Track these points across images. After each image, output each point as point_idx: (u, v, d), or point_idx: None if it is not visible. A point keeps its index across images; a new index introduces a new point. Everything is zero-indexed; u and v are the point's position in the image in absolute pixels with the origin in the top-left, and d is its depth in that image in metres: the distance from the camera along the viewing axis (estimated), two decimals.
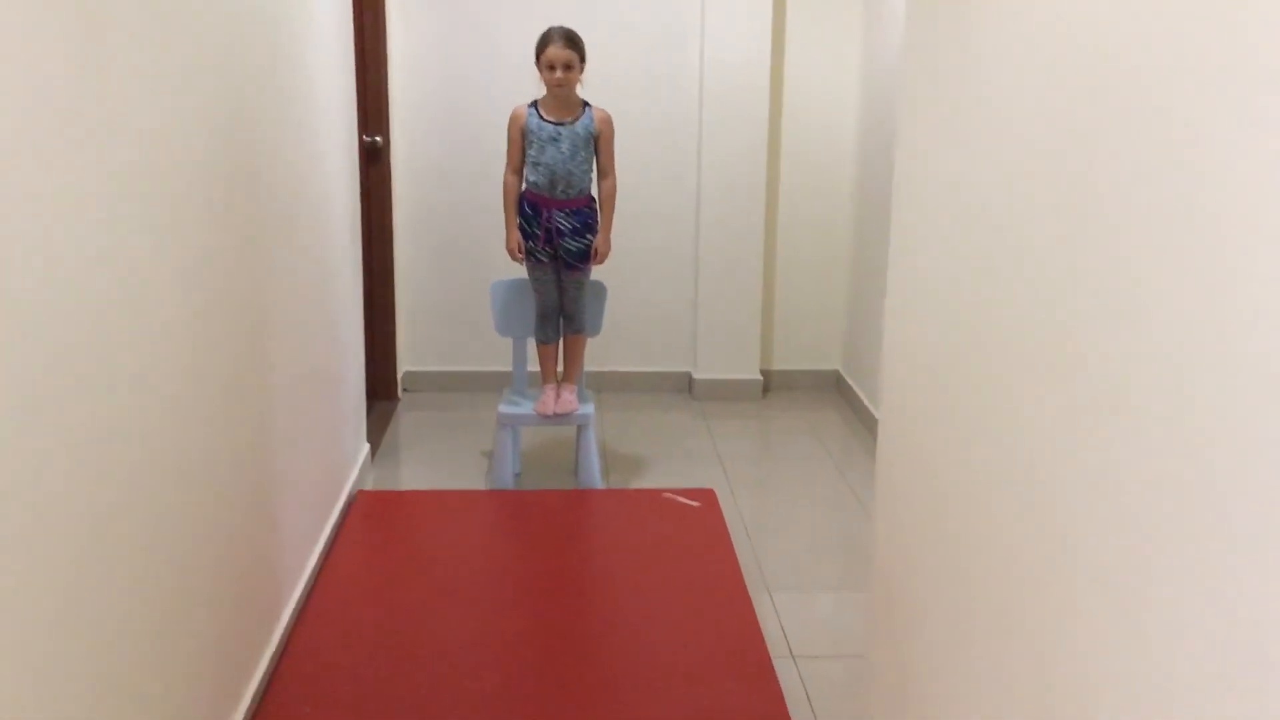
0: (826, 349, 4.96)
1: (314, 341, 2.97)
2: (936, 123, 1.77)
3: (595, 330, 3.83)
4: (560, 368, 3.84)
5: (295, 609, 2.74)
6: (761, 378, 4.86)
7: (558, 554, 3.27)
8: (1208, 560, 0.99)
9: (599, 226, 3.65)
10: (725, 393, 4.81)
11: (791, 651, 2.70)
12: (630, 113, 4.41)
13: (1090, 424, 1.22)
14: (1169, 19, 1.07)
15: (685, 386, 4.89)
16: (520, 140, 3.58)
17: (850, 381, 4.75)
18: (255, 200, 2.37)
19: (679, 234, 4.77)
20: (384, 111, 4.37)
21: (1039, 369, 1.36)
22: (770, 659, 2.63)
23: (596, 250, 3.64)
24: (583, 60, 3.49)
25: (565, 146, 3.53)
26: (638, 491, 3.72)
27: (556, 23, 3.55)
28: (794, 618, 2.87)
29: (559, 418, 3.70)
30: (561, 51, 3.44)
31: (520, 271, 3.80)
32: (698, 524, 3.44)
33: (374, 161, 4.35)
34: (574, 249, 3.61)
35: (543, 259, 3.64)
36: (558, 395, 3.73)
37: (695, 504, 3.58)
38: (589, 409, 3.73)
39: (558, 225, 3.58)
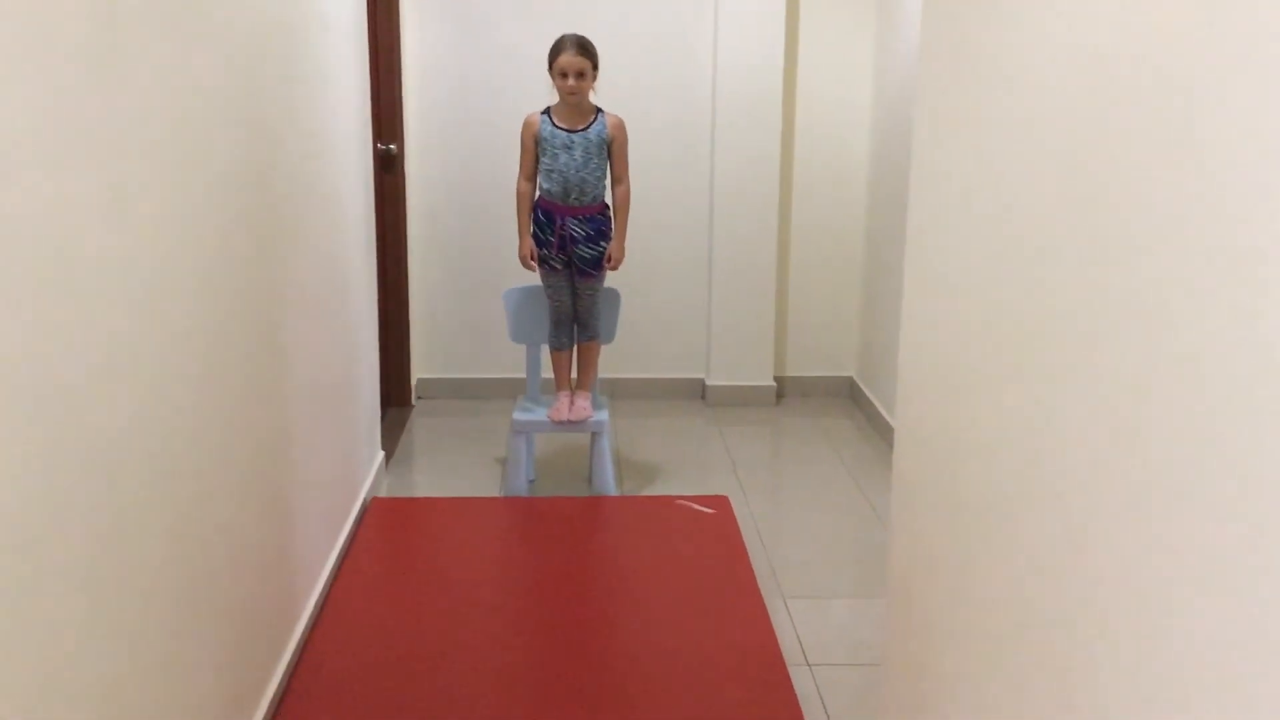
0: (840, 355, 4.95)
1: (329, 348, 2.98)
2: (953, 127, 1.77)
3: (609, 337, 3.83)
4: (574, 375, 3.84)
5: (311, 615, 2.74)
6: (775, 384, 4.85)
7: (572, 561, 3.27)
8: (1232, 567, 0.98)
9: (613, 233, 3.65)
10: (739, 399, 4.80)
11: (807, 659, 2.69)
12: (643, 119, 4.42)
13: (1111, 429, 1.21)
14: (1189, 20, 1.06)
15: (699, 393, 4.89)
16: (533, 147, 3.58)
17: (864, 388, 4.74)
18: (271, 207, 2.37)
19: (692, 241, 4.77)
20: (398, 119, 4.39)
21: (1058, 375, 1.35)
22: (786, 667, 2.63)
23: (610, 256, 3.64)
24: (595, 67, 3.50)
25: (578, 153, 3.53)
26: (652, 498, 3.72)
27: (570, 30, 3.56)
28: (809, 625, 2.86)
29: (573, 424, 3.70)
30: (574, 59, 3.45)
31: (534, 278, 3.81)
32: (712, 531, 3.43)
33: (388, 169, 4.36)
34: (588, 256, 3.61)
35: (557, 266, 3.65)
36: (572, 402, 3.73)
37: (709, 511, 3.57)
38: (603, 416, 3.73)
39: (571, 232, 3.59)
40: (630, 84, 4.50)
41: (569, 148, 3.53)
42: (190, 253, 1.86)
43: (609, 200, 3.67)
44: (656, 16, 4.60)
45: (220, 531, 2.03)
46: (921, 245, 1.94)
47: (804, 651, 2.73)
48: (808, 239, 4.84)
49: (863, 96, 4.71)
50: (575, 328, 3.79)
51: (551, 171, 3.55)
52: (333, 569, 3.01)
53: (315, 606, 2.79)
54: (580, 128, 3.54)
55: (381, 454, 3.83)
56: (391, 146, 4.34)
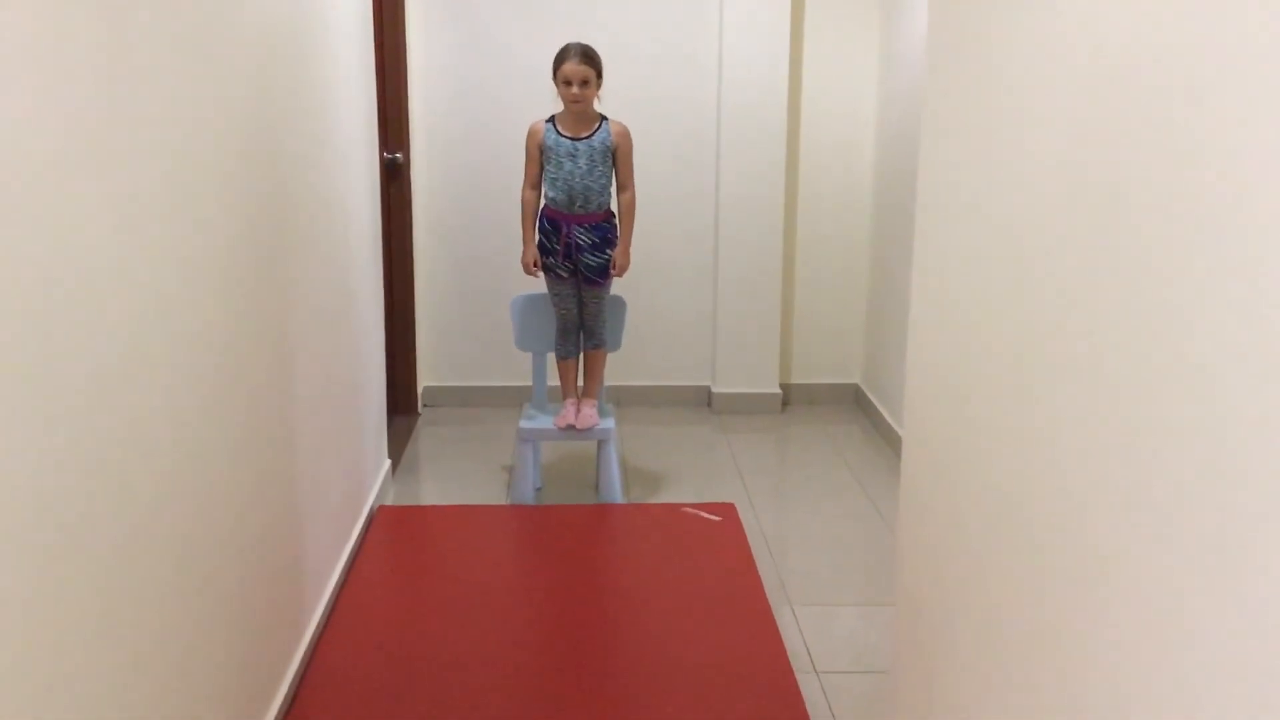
0: (846, 363, 4.95)
1: (336, 357, 2.99)
2: (959, 134, 1.77)
3: (615, 345, 3.83)
4: (580, 383, 3.84)
5: (319, 624, 2.74)
6: (781, 392, 4.85)
7: (579, 569, 3.27)
8: (1242, 573, 0.98)
9: (618, 241, 3.66)
10: (745, 407, 4.80)
11: (815, 666, 2.69)
12: (649, 128, 4.43)
13: (1119, 436, 1.21)
14: (1196, 26, 1.07)
15: (705, 400, 4.89)
16: (538, 156, 3.59)
17: (870, 395, 4.74)
18: (279, 218, 2.38)
19: (698, 248, 4.77)
20: (404, 128, 4.40)
21: (1066, 382, 1.35)
22: (793, 674, 2.62)
23: (615, 263, 3.65)
24: (599, 75, 3.51)
25: (583, 161, 3.54)
26: (658, 506, 3.72)
27: (575, 39, 3.58)
28: (816, 632, 2.86)
29: (579, 432, 3.70)
30: (578, 67, 3.46)
31: (540, 286, 3.81)
32: (719, 538, 3.43)
33: (394, 178, 4.37)
34: (593, 264, 3.62)
35: (562, 274, 3.65)
36: (578, 410, 3.73)
37: (716, 518, 3.57)
38: (609, 424, 3.73)
39: (577, 240, 3.59)
40: (636, 93, 4.51)
41: (573, 155, 3.54)
42: (200, 263, 1.87)
43: (614, 208, 3.68)
44: (662, 25, 4.61)
45: (229, 539, 2.03)
46: (929, 253, 1.94)
47: (811, 659, 2.73)
48: (813, 246, 4.85)
49: (867, 104, 4.72)
50: (581, 336, 3.79)
51: (556, 180, 3.56)
52: (340, 577, 3.01)
53: (323, 614, 2.80)
54: (584, 135, 3.55)
55: (388, 462, 3.83)
56: (397, 155, 4.36)
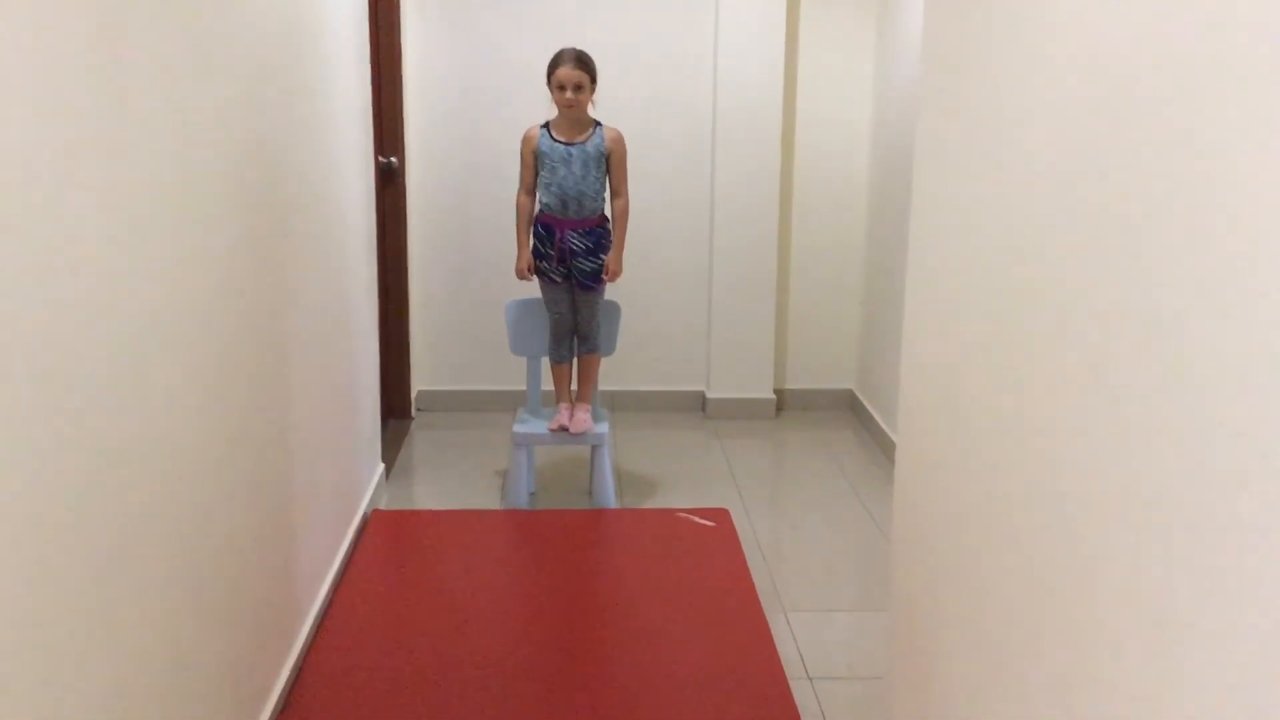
0: (840, 368, 4.95)
1: (330, 361, 2.98)
2: (954, 140, 1.78)
3: (609, 349, 3.83)
4: (574, 387, 3.84)
5: (312, 628, 2.74)
6: (775, 397, 4.85)
7: (572, 574, 3.26)
8: (1237, 579, 0.98)
9: (612, 246, 3.66)
10: (739, 412, 4.80)
11: (808, 673, 2.69)
12: (644, 133, 4.43)
13: (1114, 444, 1.21)
14: (1191, 40, 1.07)
15: (699, 406, 4.89)
16: (533, 161, 3.60)
17: (864, 401, 4.74)
18: (274, 221, 2.38)
19: (693, 253, 4.78)
20: (399, 133, 4.40)
21: (1061, 389, 1.36)
22: (786, 680, 2.62)
23: (608, 268, 3.65)
24: (594, 81, 3.51)
25: (577, 166, 3.54)
26: (652, 511, 3.71)
27: (571, 45, 3.58)
28: (810, 639, 2.85)
29: (573, 437, 3.70)
30: (572, 72, 3.46)
31: (535, 291, 3.81)
32: (712, 544, 3.43)
33: (389, 183, 4.37)
34: (587, 269, 3.62)
35: (556, 279, 3.65)
36: (572, 414, 3.73)
37: (710, 524, 3.57)
38: (604, 428, 3.73)
39: (571, 245, 3.59)
40: (631, 98, 4.52)
41: (567, 161, 3.54)
42: (195, 267, 1.86)
43: (608, 213, 3.68)
44: (657, 31, 4.61)
45: (223, 542, 2.03)
46: (923, 257, 1.94)
47: (805, 665, 2.73)
48: (808, 251, 4.85)
49: (863, 110, 4.73)
50: (575, 340, 3.79)
51: (550, 185, 3.57)
52: (333, 581, 3.00)
53: (316, 618, 2.79)
54: (578, 140, 3.55)
55: (382, 466, 3.83)
56: (392, 160, 4.35)
